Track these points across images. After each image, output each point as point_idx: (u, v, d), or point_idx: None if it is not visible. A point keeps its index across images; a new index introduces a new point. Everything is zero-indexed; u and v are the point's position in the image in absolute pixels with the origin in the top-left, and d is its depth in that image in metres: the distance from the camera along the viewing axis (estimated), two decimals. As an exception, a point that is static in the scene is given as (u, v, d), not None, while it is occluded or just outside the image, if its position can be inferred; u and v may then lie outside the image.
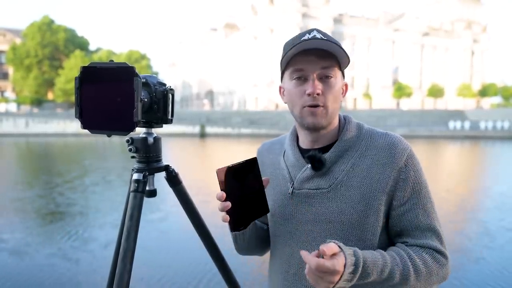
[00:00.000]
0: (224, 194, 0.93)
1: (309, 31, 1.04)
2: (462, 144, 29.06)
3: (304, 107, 1.04)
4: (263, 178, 1.03)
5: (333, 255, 0.85)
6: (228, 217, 0.96)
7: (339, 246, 0.88)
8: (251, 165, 0.99)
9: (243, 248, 1.21)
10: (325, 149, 1.08)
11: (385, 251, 1.06)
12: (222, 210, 0.96)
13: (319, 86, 1.01)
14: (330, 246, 0.85)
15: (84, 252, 5.65)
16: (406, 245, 1.03)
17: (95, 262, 5.22)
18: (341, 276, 0.85)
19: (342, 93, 1.10)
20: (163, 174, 1.26)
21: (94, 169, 15.85)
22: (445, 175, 13.70)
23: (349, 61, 1.05)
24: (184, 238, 6.18)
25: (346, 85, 1.12)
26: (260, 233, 1.22)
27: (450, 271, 1.04)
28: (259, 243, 1.22)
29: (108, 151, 25.17)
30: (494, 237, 6.34)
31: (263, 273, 4.63)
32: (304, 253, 0.86)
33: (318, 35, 1.02)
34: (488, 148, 26.83)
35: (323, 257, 0.85)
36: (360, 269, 0.89)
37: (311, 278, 0.86)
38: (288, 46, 1.04)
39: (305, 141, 1.12)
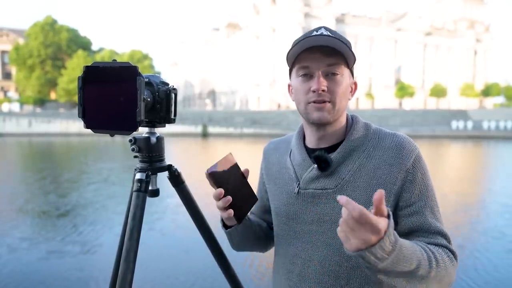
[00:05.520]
0: (222, 191, 0.97)
1: (317, 29, 1.04)
2: (464, 144, 28.94)
3: (309, 103, 1.03)
4: (242, 170, 1.07)
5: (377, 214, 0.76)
6: (232, 211, 0.99)
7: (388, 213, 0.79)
8: (230, 160, 1.03)
9: (238, 243, 1.19)
10: (332, 148, 1.07)
11: None
12: (223, 207, 0.98)
13: (324, 83, 1.00)
14: (384, 203, 0.76)
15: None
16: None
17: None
18: (378, 241, 0.75)
19: (351, 91, 1.09)
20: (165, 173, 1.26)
21: (72, 167, 16.28)
22: (447, 175, 13.65)
23: (355, 59, 1.04)
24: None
25: (355, 84, 1.10)
26: (255, 228, 1.20)
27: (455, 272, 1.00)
28: (255, 238, 1.21)
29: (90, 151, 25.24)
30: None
31: (269, 274, 4.62)
32: (343, 198, 0.74)
33: (326, 32, 1.02)
34: (491, 148, 26.72)
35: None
36: (395, 252, 0.79)
37: (344, 228, 0.76)
38: (295, 43, 1.04)
39: (311, 140, 1.11)
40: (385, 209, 0.77)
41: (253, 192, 1.09)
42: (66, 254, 5.51)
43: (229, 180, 1.01)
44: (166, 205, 8.08)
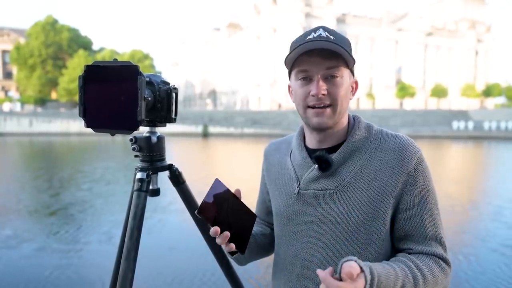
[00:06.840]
0: (218, 229, 0.93)
1: (315, 29, 1.02)
2: (465, 145, 28.90)
3: (309, 107, 1.02)
4: (234, 191, 1.03)
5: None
6: (233, 245, 0.96)
7: (360, 266, 0.82)
8: (218, 187, 0.98)
9: (245, 261, 1.19)
10: (333, 149, 1.06)
11: (389, 254, 1.05)
12: (223, 242, 0.95)
13: (323, 87, 0.98)
14: (354, 267, 0.78)
15: None
16: (411, 252, 1.01)
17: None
18: None
19: (352, 91, 1.07)
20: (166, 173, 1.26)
21: (70, 167, 16.47)
22: (447, 176, 13.64)
23: (354, 61, 1.03)
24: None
25: (356, 83, 1.09)
26: (260, 241, 1.20)
27: (450, 279, 1.02)
28: (261, 250, 1.22)
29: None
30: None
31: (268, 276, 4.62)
32: (321, 273, 0.79)
33: (324, 34, 1.00)
34: (492, 149, 26.67)
35: (340, 276, 0.78)
36: (374, 287, 0.84)
37: None
38: (293, 46, 1.02)
39: (312, 141, 1.10)
40: (357, 268, 0.79)
41: (250, 211, 1.05)
42: (55, 252, 5.51)
43: (222, 209, 0.97)
44: (156, 204, 8.01)
